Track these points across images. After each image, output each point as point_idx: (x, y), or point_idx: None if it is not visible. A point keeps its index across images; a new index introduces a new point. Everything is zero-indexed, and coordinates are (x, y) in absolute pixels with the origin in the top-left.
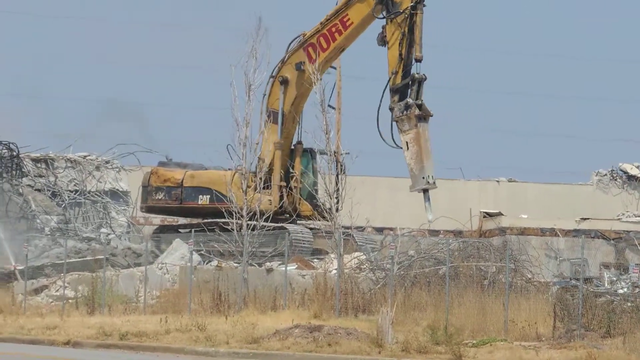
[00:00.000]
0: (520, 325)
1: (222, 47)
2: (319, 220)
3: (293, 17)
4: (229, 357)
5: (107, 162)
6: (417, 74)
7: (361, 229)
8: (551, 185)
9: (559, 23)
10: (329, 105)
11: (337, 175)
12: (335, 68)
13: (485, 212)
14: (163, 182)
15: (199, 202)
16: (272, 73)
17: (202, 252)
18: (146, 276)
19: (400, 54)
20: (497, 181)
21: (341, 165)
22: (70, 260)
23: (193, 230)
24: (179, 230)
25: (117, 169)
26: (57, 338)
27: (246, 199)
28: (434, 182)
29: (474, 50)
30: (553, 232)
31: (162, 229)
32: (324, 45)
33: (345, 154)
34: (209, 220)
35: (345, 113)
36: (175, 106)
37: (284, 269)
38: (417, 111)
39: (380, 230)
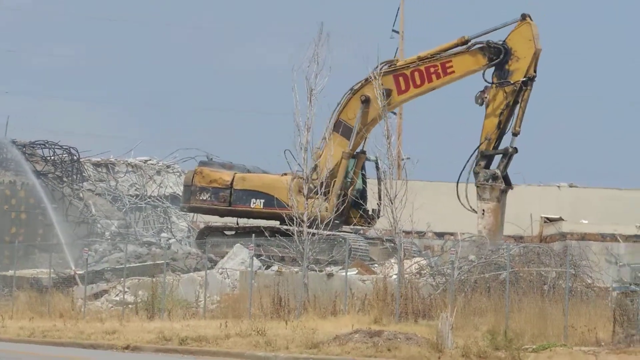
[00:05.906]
0: (580, 331)
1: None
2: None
3: (354, 22)
4: None
5: (168, 167)
6: (510, 147)
7: (422, 234)
8: (612, 191)
9: None
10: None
11: (378, 179)
12: None
13: (546, 218)
14: (209, 183)
15: (252, 206)
16: (353, 87)
17: (262, 257)
18: (206, 281)
19: (500, 123)
20: (558, 186)
21: (381, 170)
22: (131, 265)
23: (254, 235)
24: (224, 232)
25: (178, 174)
26: (116, 343)
27: (307, 204)
28: None
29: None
30: (613, 238)
31: (207, 231)
32: (418, 81)
33: (406, 159)
34: (266, 225)
35: (407, 118)
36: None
37: (344, 274)
38: (502, 185)
39: (440, 235)
